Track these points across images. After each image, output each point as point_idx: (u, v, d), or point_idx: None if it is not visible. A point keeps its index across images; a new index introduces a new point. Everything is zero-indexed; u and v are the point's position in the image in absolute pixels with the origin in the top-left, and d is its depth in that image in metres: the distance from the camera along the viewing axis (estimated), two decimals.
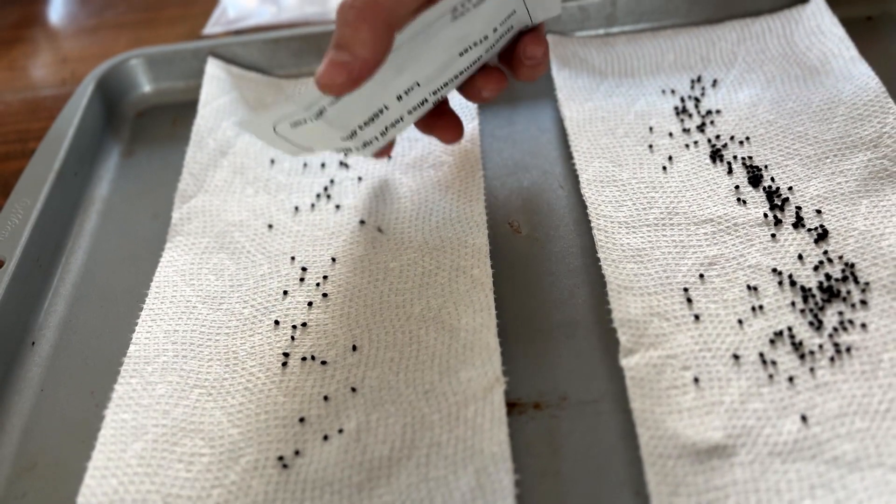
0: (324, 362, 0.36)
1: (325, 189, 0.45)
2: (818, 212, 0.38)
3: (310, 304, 0.39)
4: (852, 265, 0.36)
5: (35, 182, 0.45)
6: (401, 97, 0.34)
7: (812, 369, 0.32)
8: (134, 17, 0.67)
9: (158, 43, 0.56)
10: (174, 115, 0.53)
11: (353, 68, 0.30)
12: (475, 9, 0.31)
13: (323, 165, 0.46)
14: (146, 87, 0.55)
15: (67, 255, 0.44)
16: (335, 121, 0.34)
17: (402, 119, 0.37)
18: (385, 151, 0.41)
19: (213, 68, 0.52)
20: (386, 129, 0.37)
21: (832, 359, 0.32)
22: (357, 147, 0.38)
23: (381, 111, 0.35)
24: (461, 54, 0.33)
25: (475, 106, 0.47)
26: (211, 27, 0.63)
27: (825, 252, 0.36)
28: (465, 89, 0.39)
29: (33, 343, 0.40)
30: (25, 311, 0.41)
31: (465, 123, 0.46)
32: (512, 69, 0.38)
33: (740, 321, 0.34)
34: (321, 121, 0.34)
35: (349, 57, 0.30)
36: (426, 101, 0.36)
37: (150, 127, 0.53)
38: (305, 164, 0.46)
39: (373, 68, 0.30)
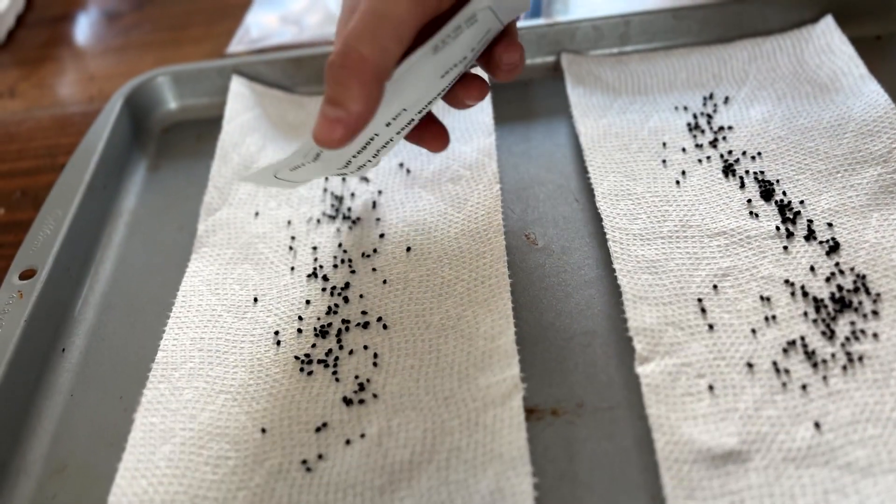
0: (344, 369, 0.37)
1: (346, 202, 0.46)
2: (829, 224, 0.39)
3: (331, 312, 0.40)
4: (864, 276, 0.36)
5: (66, 195, 0.47)
6: (389, 123, 0.36)
7: (825, 377, 0.33)
8: (159, 37, 0.69)
9: (183, 62, 0.58)
10: (198, 131, 0.54)
11: (348, 123, 0.30)
12: (453, 41, 0.32)
13: (344, 179, 0.47)
14: (172, 104, 0.57)
15: (96, 264, 0.46)
16: (331, 159, 0.36)
17: (391, 140, 0.38)
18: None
19: (237, 86, 0.53)
20: (377, 152, 0.38)
21: (844, 367, 0.33)
22: (352, 171, 0.39)
23: (373, 139, 0.36)
24: (442, 76, 0.35)
25: (491, 122, 0.48)
26: (234, 46, 0.64)
27: (837, 264, 0.37)
28: (448, 98, 0.40)
29: (63, 349, 0.41)
30: (56, 319, 0.42)
31: (482, 139, 0.47)
32: (490, 72, 0.39)
33: (754, 331, 0.35)
34: (318, 161, 0.35)
35: (343, 113, 0.30)
36: (413, 120, 0.38)
37: (176, 142, 0.54)
38: (327, 178, 0.47)
39: (367, 120, 0.31)
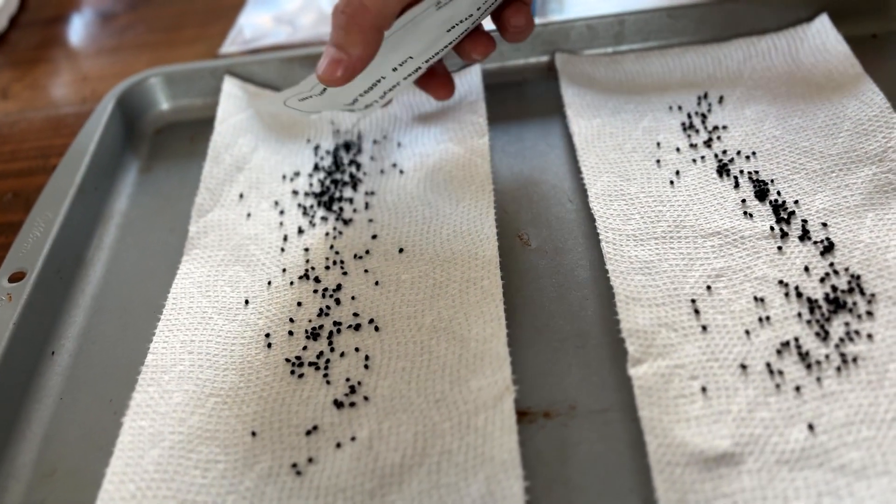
0: (335, 371, 0.37)
1: (338, 203, 0.46)
2: (824, 225, 0.39)
3: (323, 314, 0.39)
4: (858, 277, 0.36)
5: (56, 196, 0.46)
6: (396, 68, 0.39)
7: (819, 379, 0.33)
8: (153, 38, 0.68)
9: (177, 62, 0.57)
10: (191, 132, 0.54)
11: (348, 64, 0.34)
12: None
13: (336, 183, 0.47)
14: (164, 105, 0.56)
15: (87, 267, 0.45)
16: (338, 93, 0.39)
17: (398, 84, 0.41)
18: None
19: (229, 86, 0.53)
20: (384, 93, 0.42)
21: (839, 369, 0.33)
22: (359, 108, 0.42)
23: (379, 80, 0.39)
24: (448, 31, 0.37)
25: (485, 123, 0.48)
26: (227, 47, 0.64)
27: (831, 264, 0.37)
28: (458, 51, 0.43)
29: (53, 353, 0.41)
30: (46, 322, 0.42)
31: (475, 139, 0.47)
32: (500, 33, 0.42)
33: (747, 332, 0.35)
34: (324, 96, 0.39)
35: (344, 55, 0.34)
36: (420, 68, 0.41)
37: (168, 143, 0.54)
38: (321, 181, 0.47)
39: (366, 63, 0.35)
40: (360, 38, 0.34)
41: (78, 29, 0.73)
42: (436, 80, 0.46)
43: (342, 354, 0.37)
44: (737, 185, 0.42)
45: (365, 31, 0.34)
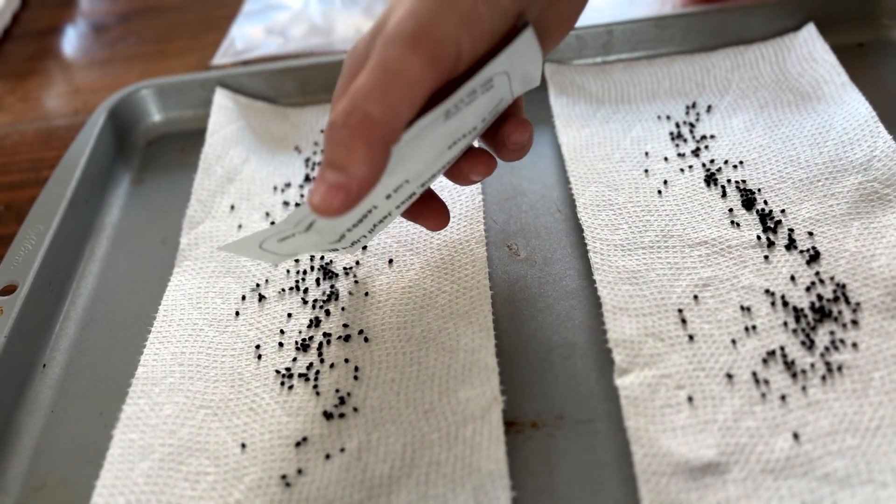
0: (325, 383, 0.37)
1: None
2: (810, 234, 0.39)
3: (313, 325, 0.40)
4: (843, 286, 0.36)
5: (48, 209, 0.47)
6: (390, 196, 0.33)
7: (804, 388, 0.33)
8: (145, 49, 0.69)
9: (168, 74, 0.58)
10: (183, 144, 0.54)
11: (350, 189, 0.28)
12: (466, 107, 0.30)
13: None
14: (156, 117, 0.57)
15: (78, 279, 0.46)
16: (324, 230, 0.33)
17: (389, 215, 0.36)
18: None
19: (221, 98, 0.53)
20: (374, 226, 0.36)
21: (824, 377, 0.33)
22: (344, 247, 0.36)
23: (371, 211, 0.33)
24: (450, 147, 0.33)
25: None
26: (219, 58, 0.64)
27: (817, 273, 0.37)
28: (453, 174, 0.37)
29: (44, 365, 0.41)
30: (37, 335, 0.42)
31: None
32: (495, 150, 0.37)
33: (734, 341, 0.35)
34: (310, 232, 0.33)
35: (346, 177, 0.27)
36: (414, 194, 0.35)
37: (160, 155, 0.54)
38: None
39: (371, 186, 0.28)
40: (366, 156, 0.27)
41: (70, 41, 0.73)
42: (427, 207, 0.38)
43: (332, 366, 0.38)
44: (724, 195, 0.42)
45: (372, 147, 0.27)
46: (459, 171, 0.37)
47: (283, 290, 0.42)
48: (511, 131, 0.35)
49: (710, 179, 0.43)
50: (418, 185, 0.34)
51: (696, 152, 0.45)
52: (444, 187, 0.45)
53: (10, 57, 0.72)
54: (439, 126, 0.30)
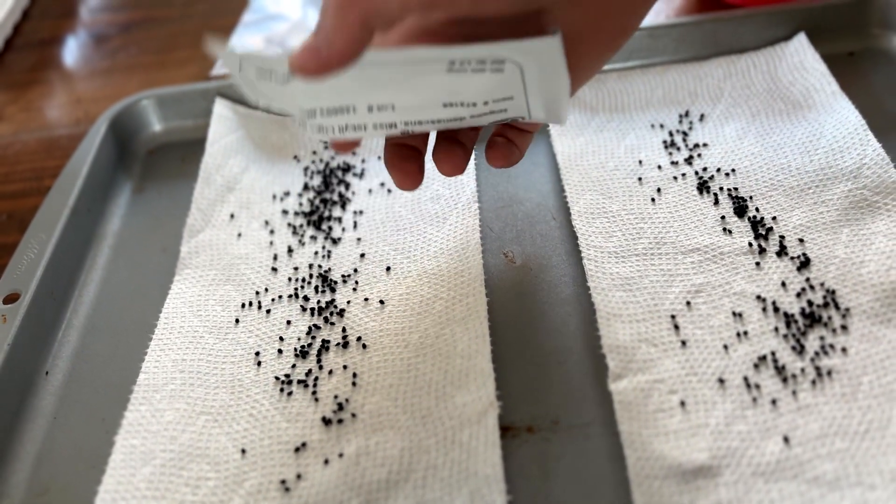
0: (323, 389, 0.37)
1: (327, 223, 0.46)
2: (801, 240, 0.40)
3: (311, 332, 0.40)
4: (833, 291, 0.37)
5: (50, 218, 0.47)
6: (371, 108, 0.34)
7: (794, 392, 0.34)
8: (145, 60, 0.69)
9: (169, 84, 0.58)
10: (183, 153, 0.55)
11: (322, 56, 0.30)
12: (472, 74, 0.31)
13: (325, 202, 0.48)
14: (157, 127, 0.57)
15: (80, 287, 0.46)
16: (296, 94, 0.33)
17: (364, 127, 0.35)
18: (348, 146, 0.38)
19: (220, 108, 0.54)
20: (346, 126, 0.35)
21: (814, 382, 0.34)
22: (312, 127, 0.36)
23: (347, 109, 0.34)
24: (445, 105, 0.33)
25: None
26: (219, 68, 0.65)
27: (807, 279, 0.38)
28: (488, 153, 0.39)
29: (47, 373, 0.42)
30: (40, 343, 0.43)
31: None
32: (486, 150, 0.39)
33: (725, 346, 0.36)
34: (286, 87, 0.33)
35: (324, 45, 0.29)
36: (395, 125, 0.35)
37: (161, 164, 0.55)
38: (311, 201, 0.48)
39: (343, 60, 0.30)
40: (344, 30, 0.29)
41: (72, 51, 0.74)
42: (448, 150, 0.38)
43: (330, 372, 0.38)
44: (716, 202, 0.43)
45: (349, 21, 0.29)
46: (488, 154, 0.39)
47: (283, 297, 0.42)
48: (493, 155, 0.38)
49: (703, 187, 0.44)
50: (402, 119, 0.35)
51: (688, 160, 0.46)
52: (440, 195, 0.46)
53: (11, 67, 0.72)
54: (440, 73, 0.31)
